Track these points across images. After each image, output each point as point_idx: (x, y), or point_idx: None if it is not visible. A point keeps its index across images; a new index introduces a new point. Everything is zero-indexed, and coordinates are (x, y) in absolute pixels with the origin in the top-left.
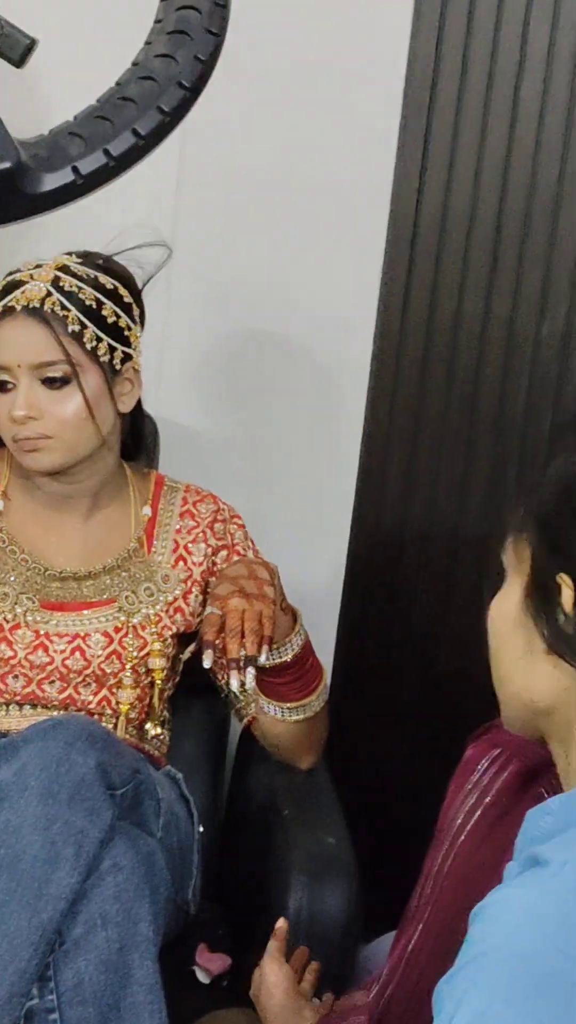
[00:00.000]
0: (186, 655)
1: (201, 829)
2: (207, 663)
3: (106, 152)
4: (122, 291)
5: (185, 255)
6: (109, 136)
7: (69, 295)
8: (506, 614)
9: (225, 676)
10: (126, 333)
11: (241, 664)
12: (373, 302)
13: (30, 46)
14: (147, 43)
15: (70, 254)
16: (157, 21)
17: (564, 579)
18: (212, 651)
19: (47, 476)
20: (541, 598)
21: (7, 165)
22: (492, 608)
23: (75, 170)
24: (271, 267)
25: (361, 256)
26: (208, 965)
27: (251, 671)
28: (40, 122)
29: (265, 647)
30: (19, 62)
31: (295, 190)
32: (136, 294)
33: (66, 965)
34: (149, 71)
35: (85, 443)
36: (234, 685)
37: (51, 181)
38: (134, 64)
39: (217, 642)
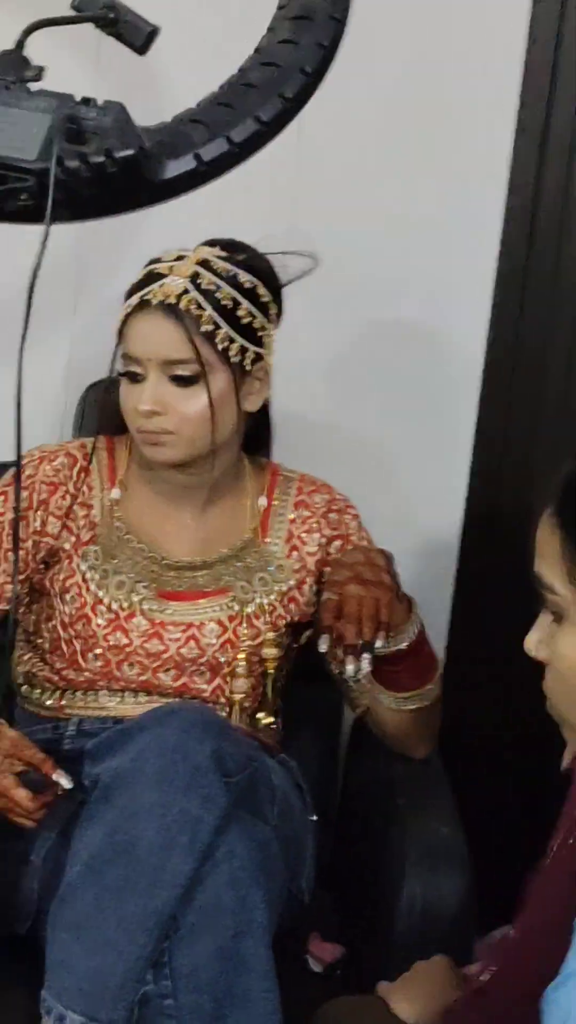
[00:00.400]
0: (303, 640)
1: (315, 817)
2: (323, 648)
3: (228, 139)
4: (261, 290)
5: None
6: (231, 122)
7: (206, 293)
8: None
9: (341, 663)
10: (260, 334)
11: (358, 651)
12: (488, 290)
13: (152, 33)
14: (270, 29)
15: (214, 244)
16: (280, 7)
17: None
18: (329, 637)
19: (169, 468)
20: None
21: (130, 152)
22: (563, 649)
23: (197, 157)
24: (383, 259)
25: (475, 240)
26: (321, 954)
27: (367, 658)
28: (163, 110)
29: (382, 634)
30: (141, 49)
31: (408, 174)
32: (276, 292)
33: (181, 952)
34: (271, 57)
35: (206, 441)
36: (350, 672)
37: (174, 168)
38: (256, 50)
39: (334, 628)
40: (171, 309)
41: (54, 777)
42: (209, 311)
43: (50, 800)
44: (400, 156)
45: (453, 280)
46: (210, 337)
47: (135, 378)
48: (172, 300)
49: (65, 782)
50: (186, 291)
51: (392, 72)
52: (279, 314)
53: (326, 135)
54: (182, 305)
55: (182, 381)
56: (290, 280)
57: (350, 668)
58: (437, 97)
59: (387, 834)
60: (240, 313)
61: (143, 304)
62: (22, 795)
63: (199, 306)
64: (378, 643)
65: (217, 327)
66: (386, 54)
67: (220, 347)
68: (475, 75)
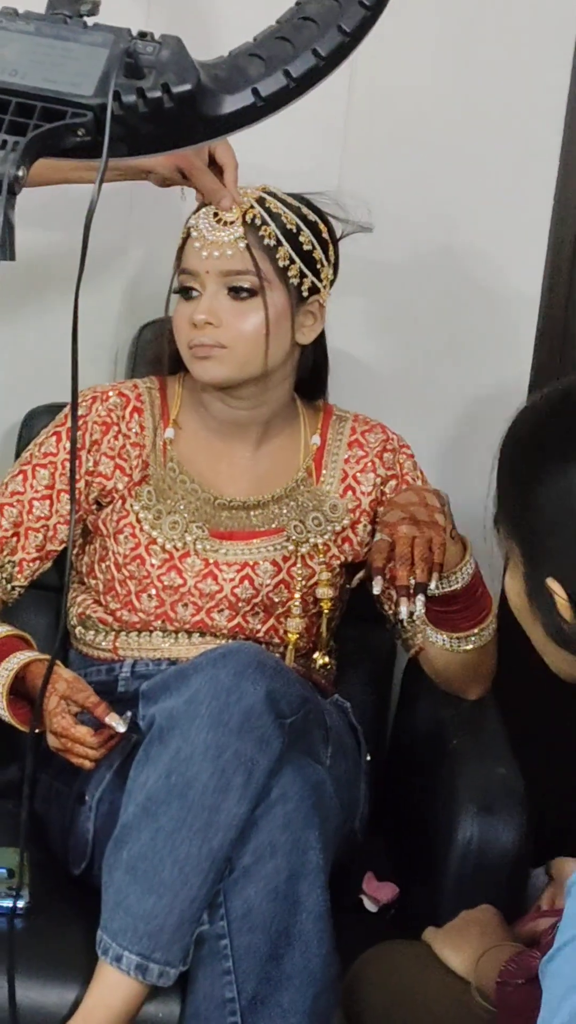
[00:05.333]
0: (355, 582)
1: (369, 758)
2: (376, 590)
3: (286, 73)
4: (322, 227)
5: (352, 183)
6: (289, 57)
7: (270, 213)
8: (515, 601)
9: (394, 604)
10: (318, 266)
11: (411, 592)
12: (544, 232)
13: None
14: None
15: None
16: None
17: (554, 586)
18: (381, 578)
19: (216, 392)
20: (539, 600)
21: (187, 87)
22: (507, 588)
23: (255, 92)
24: (438, 197)
25: (531, 184)
26: (376, 894)
27: (420, 599)
28: (221, 44)
29: (435, 574)
30: None
31: (463, 121)
32: (335, 239)
33: (236, 893)
34: None
35: (257, 361)
36: (403, 613)
37: (231, 103)
38: None
39: (387, 569)
40: (234, 223)
41: (107, 720)
42: (272, 227)
43: (107, 739)
44: (451, 112)
45: (507, 228)
46: (271, 252)
47: (190, 294)
48: (236, 213)
49: (118, 725)
50: (251, 206)
51: (446, 26)
52: (337, 262)
53: (375, 93)
54: (247, 217)
55: (240, 294)
56: (347, 234)
57: (403, 610)
58: (493, 50)
59: (441, 775)
60: (302, 239)
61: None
62: (83, 731)
63: (263, 221)
64: (431, 584)
65: (279, 243)
66: (440, 5)
67: (280, 264)
68: (533, 27)
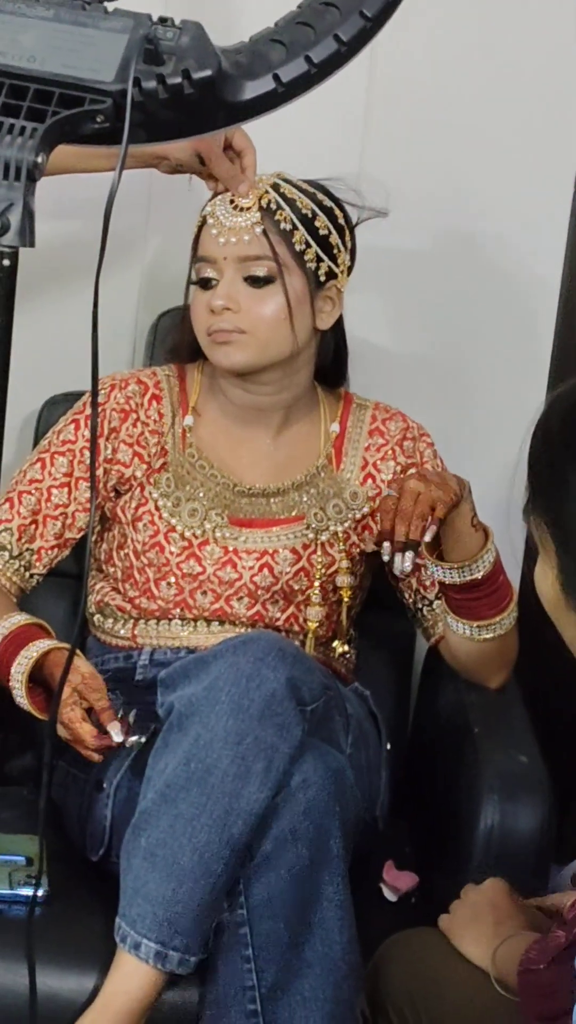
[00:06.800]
0: (370, 546)
1: (389, 746)
2: (386, 557)
3: (307, 59)
4: (338, 213)
5: (372, 169)
6: (310, 42)
7: (286, 198)
8: (548, 593)
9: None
10: (335, 251)
11: (404, 548)
12: (564, 218)
13: None
14: None
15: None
16: None
17: None
18: (389, 544)
19: (235, 379)
20: (573, 592)
21: (208, 73)
22: (536, 578)
23: (276, 78)
24: (459, 183)
25: (551, 169)
26: (395, 883)
27: (409, 555)
28: (239, 30)
29: (432, 528)
30: None
31: (483, 105)
32: (351, 225)
33: (256, 880)
34: None
35: (277, 346)
36: (396, 568)
37: (252, 89)
38: None
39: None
40: (250, 208)
41: (107, 727)
42: (288, 211)
43: (107, 745)
44: (472, 97)
45: (527, 214)
46: (287, 236)
47: (208, 284)
48: (252, 199)
49: (116, 735)
50: (266, 192)
51: (467, 10)
52: (354, 249)
53: (395, 78)
54: (263, 202)
55: (257, 281)
56: (362, 220)
57: (396, 564)
58: (513, 35)
59: (463, 763)
60: (318, 224)
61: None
62: (86, 730)
63: (279, 206)
64: (427, 536)
65: (295, 227)
66: None
67: (297, 248)
68: (554, 12)
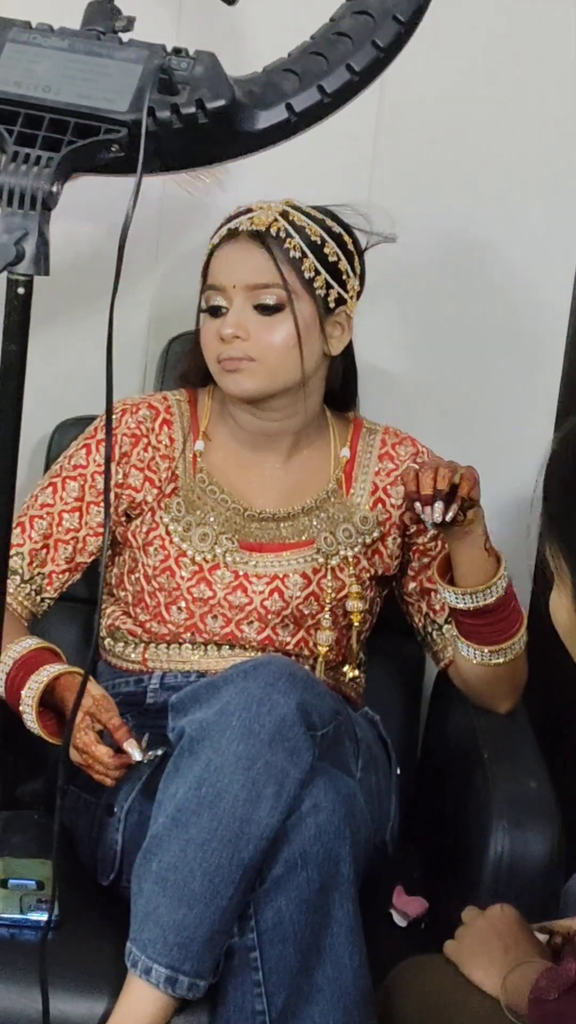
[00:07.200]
0: (406, 518)
1: (399, 771)
2: (420, 513)
3: (320, 88)
4: (347, 239)
5: (381, 196)
6: (323, 72)
7: (295, 226)
8: (563, 621)
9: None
10: (344, 277)
11: (431, 500)
12: (573, 243)
13: None
14: None
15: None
16: None
17: None
18: (418, 502)
19: (245, 405)
20: None
21: (222, 103)
22: (552, 606)
23: (289, 107)
24: (466, 210)
25: (559, 196)
26: (405, 908)
27: (439, 505)
28: (255, 60)
29: (455, 506)
30: (231, 0)
31: (492, 132)
32: (360, 250)
33: (267, 904)
34: (364, 5)
35: (287, 373)
36: (436, 516)
37: (265, 119)
38: None
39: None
40: (259, 235)
41: (124, 746)
42: (297, 239)
43: (125, 763)
44: (480, 124)
45: (536, 240)
46: (296, 264)
47: (218, 312)
48: (262, 227)
49: (135, 753)
50: (276, 220)
51: (475, 40)
52: (363, 274)
53: (404, 106)
54: (271, 231)
55: (267, 310)
56: (371, 245)
57: (437, 514)
58: (521, 62)
59: (472, 788)
60: (327, 251)
61: (232, 234)
62: (103, 751)
63: (288, 233)
64: (449, 515)
65: (304, 255)
66: (469, 20)
67: (306, 276)
68: (560, 43)
